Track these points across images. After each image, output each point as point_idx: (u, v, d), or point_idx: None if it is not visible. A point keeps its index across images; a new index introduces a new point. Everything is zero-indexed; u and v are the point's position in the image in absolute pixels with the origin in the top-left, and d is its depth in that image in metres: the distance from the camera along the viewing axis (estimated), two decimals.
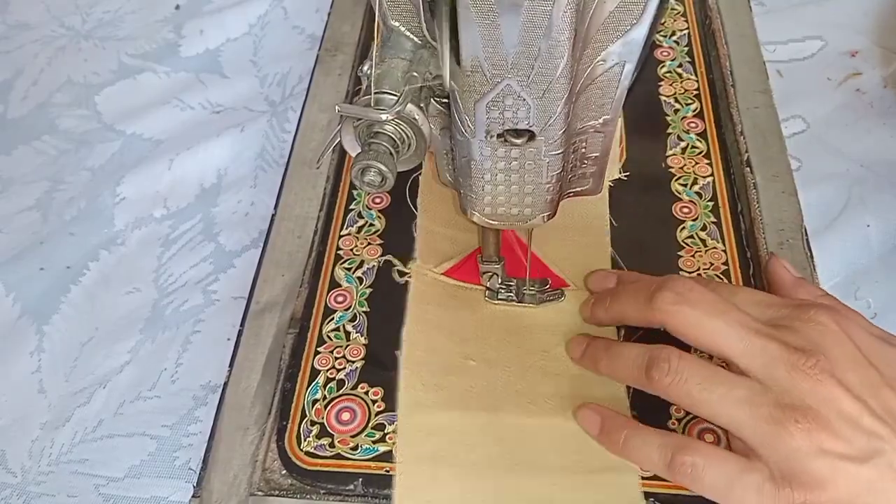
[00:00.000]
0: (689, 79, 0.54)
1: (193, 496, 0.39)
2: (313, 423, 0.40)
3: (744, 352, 0.33)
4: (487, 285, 0.44)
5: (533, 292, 0.44)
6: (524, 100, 0.31)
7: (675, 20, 0.58)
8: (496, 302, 0.44)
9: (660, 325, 0.37)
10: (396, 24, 0.32)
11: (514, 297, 0.44)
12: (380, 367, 0.42)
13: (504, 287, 0.44)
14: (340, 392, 0.41)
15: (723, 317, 0.34)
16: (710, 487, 0.33)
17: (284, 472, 0.39)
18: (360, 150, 0.32)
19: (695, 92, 0.53)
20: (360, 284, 0.45)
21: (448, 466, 0.38)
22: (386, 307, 0.44)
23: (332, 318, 0.44)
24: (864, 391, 0.32)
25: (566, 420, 0.39)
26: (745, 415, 0.32)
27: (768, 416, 0.32)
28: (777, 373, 0.32)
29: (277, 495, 0.38)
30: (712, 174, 0.49)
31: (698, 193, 0.48)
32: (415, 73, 0.32)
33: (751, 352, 0.33)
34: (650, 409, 0.39)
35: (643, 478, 0.38)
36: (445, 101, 0.34)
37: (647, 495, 0.37)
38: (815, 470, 0.31)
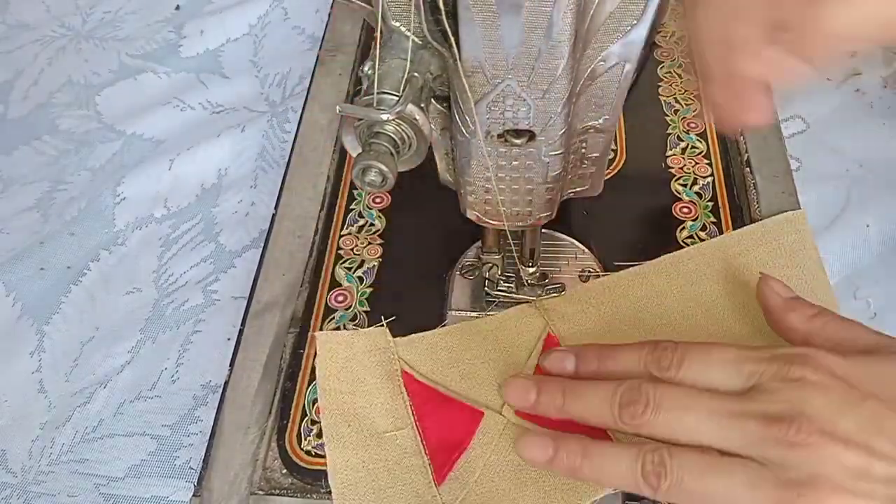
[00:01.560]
0: (689, 79, 0.54)
1: (194, 495, 0.39)
2: (314, 423, 0.40)
3: (723, 441, 0.31)
4: (487, 276, 0.44)
5: (533, 284, 0.44)
6: (524, 100, 0.31)
7: (675, 20, 0.58)
8: (496, 292, 0.44)
9: (636, 435, 0.34)
10: (396, 23, 0.32)
11: (514, 289, 0.44)
12: None
13: (504, 278, 0.44)
14: None
15: (693, 412, 0.32)
16: None
17: (285, 471, 0.39)
18: (360, 150, 0.32)
19: (695, 92, 0.53)
20: (361, 284, 0.45)
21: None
22: (386, 307, 0.44)
23: (333, 318, 0.44)
24: (863, 433, 0.30)
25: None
26: (749, 500, 0.30)
27: (773, 498, 0.30)
28: (766, 451, 0.30)
29: (278, 494, 0.38)
30: (712, 174, 0.49)
31: (698, 193, 0.48)
32: (415, 73, 0.32)
33: (731, 437, 0.31)
34: None
35: None
36: (446, 101, 0.34)
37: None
38: None
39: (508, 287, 0.44)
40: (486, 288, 0.44)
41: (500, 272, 0.43)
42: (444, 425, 0.39)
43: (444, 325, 0.43)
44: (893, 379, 0.31)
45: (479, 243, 0.45)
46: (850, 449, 0.29)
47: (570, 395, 0.35)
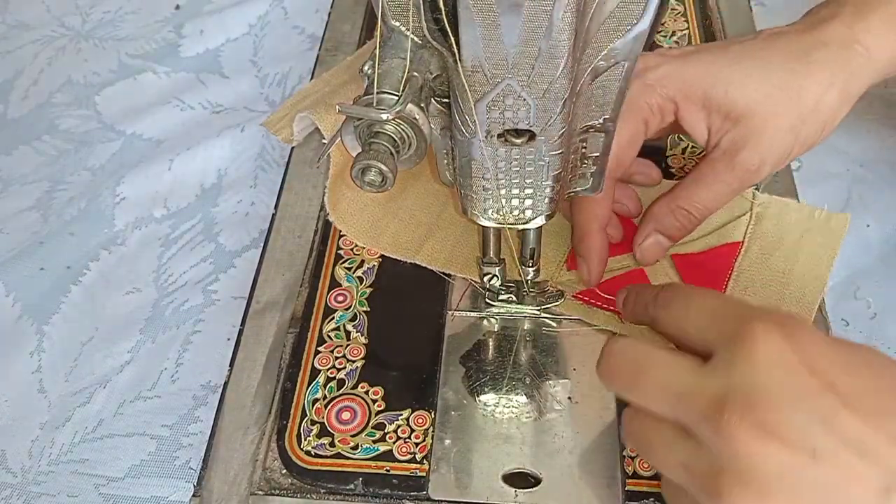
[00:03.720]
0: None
1: (194, 496, 0.39)
2: (313, 423, 0.40)
3: (673, 415, 0.29)
4: (488, 286, 0.44)
5: (533, 294, 0.44)
6: (524, 100, 0.31)
7: (675, 20, 0.58)
8: (496, 303, 0.44)
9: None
10: (396, 23, 0.32)
11: (515, 299, 0.44)
12: (380, 366, 0.42)
13: (504, 288, 0.44)
14: (341, 391, 0.41)
15: (640, 385, 0.30)
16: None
17: (285, 471, 0.39)
18: (360, 150, 0.32)
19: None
20: (361, 284, 0.45)
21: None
22: (386, 307, 0.45)
23: (333, 318, 0.44)
24: (811, 429, 0.26)
25: None
26: (685, 481, 0.29)
27: (708, 487, 0.28)
28: (704, 434, 0.28)
29: (278, 495, 0.38)
30: None
31: None
32: (415, 73, 0.32)
33: (675, 415, 0.29)
34: None
35: (645, 478, 0.38)
36: (445, 101, 0.34)
37: (645, 495, 0.37)
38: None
39: (508, 297, 0.44)
40: (486, 299, 0.44)
41: (500, 283, 0.43)
42: None
43: (443, 326, 0.44)
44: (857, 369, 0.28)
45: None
46: (787, 448, 0.26)
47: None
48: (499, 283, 0.43)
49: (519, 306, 0.44)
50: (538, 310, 0.44)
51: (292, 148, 0.52)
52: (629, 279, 0.44)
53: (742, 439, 0.27)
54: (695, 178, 0.42)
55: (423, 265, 0.46)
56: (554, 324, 0.44)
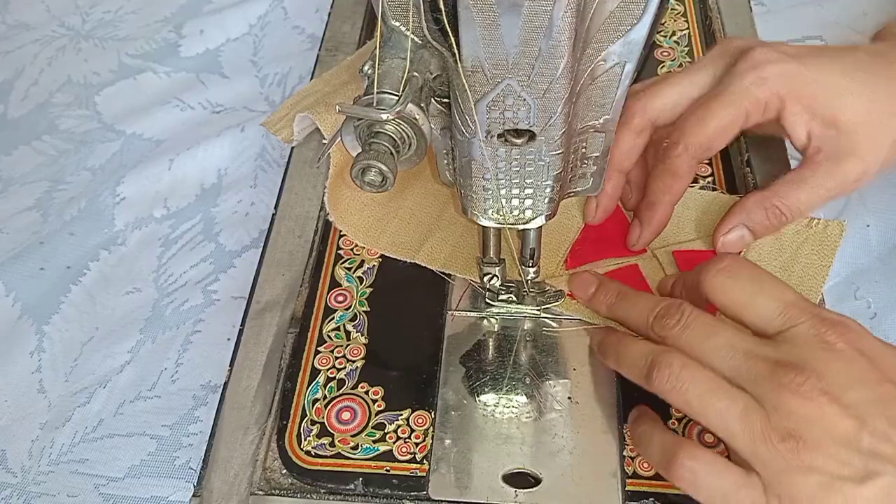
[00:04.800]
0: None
1: (194, 496, 0.39)
2: (313, 423, 0.40)
3: (732, 371, 0.33)
4: (488, 286, 0.44)
5: (533, 294, 0.44)
6: (524, 100, 0.31)
7: (675, 20, 0.58)
8: (496, 303, 0.44)
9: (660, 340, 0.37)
10: (396, 24, 0.32)
11: (515, 299, 0.44)
12: (380, 366, 0.42)
13: (504, 288, 0.44)
14: (341, 391, 0.41)
15: (711, 339, 0.34)
16: (706, 496, 0.33)
17: (285, 471, 0.39)
18: (360, 150, 0.32)
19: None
20: (361, 284, 0.45)
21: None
22: (386, 307, 0.44)
23: (333, 318, 0.44)
24: (870, 410, 0.31)
25: None
26: (739, 430, 0.32)
27: (759, 433, 0.31)
28: (764, 390, 0.32)
29: (278, 495, 0.38)
30: (712, 174, 0.49)
31: None
32: (415, 73, 0.32)
33: (738, 371, 0.33)
34: (653, 407, 0.39)
35: (645, 478, 0.38)
36: (446, 101, 0.34)
37: (645, 495, 0.37)
38: (807, 488, 0.31)
39: (508, 297, 0.44)
40: (486, 299, 0.44)
41: (500, 283, 0.43)
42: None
43: (443, 326, 0.44)
44: None
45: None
46: (846, 417, 0.31)
47: (621, 297, 0.40)
48: (499, 283, 0.43)
49: (519, 306, 0.44)
50: (538, 310, 0.44)
51: (292, 148, 0.52)
52: (623, 275, 0.44)
53: (808, 399, 0.31)
54: (795, 179, 0.42)
55: (423, 265, 0.46)
56: (554, 324, 0.44)
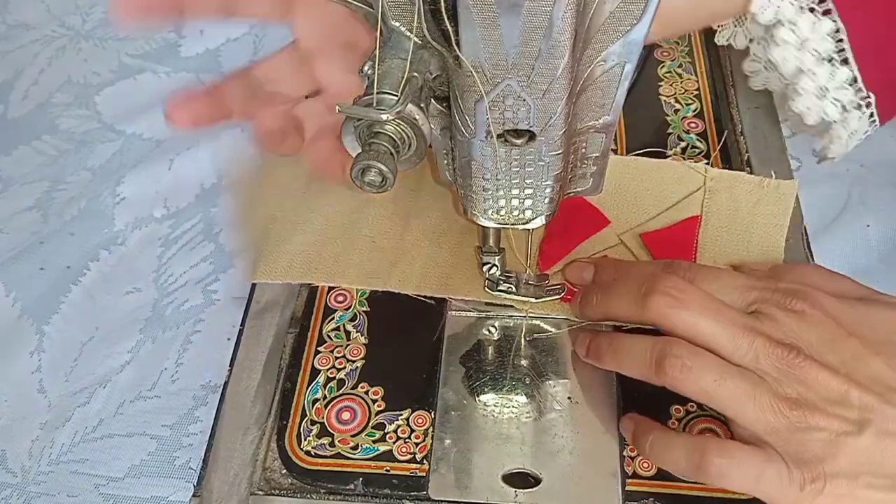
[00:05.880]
0: (689, 79, 0.54)
1: (193, 496, 0.39)
2: (313, 423, 0.40)
3: (735, 350, 0.35)
4: (487, 276, 0.44)
5: (532, 284, 0.44)
6: (524, 100, 0.31)
7: None
8: (495, 293, 0.44)
9: (653, 325, 0.37)
10: (396, 24, 0.32)
11: (514, 289, 0.44)
12: (380, 366, 0.42)
13: (504, 278, 0.44)
14: (340, 391, 0.41)
15: (715, 316, 0.36)
16: (741, 483, 0.34)
17: (284, 471, 0.39)
18: (360, 150, 0.32)
19: (695, 92, 0.53)
20: None
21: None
22: (386, 307, 0.44)
23: (333, 318, 0.44)
24: (847, 366, 0.34)
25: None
26: (750, 407, 0.34)
27: (768, 406, 0.34)
28: (767, 367, 0.35)
29: (278, 495, 0.38)
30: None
31: None
32: (415, 74, 0.32)
33: (742, 350, 0.35)
34: (649, 411, 0.39)
35: (645, 478, 0.38)
36: (445, 101, 0.34)
37: (645, 495, 0.37)
38: (817, 449, 0.33)
39: (508, 287, 0.44)
40: (485, 288, 0.44)
41: (499, 272, 0.43)
42: None
43: (443, 326, 0.44)
44: (876, 324, 0.36)
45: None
46: (833, 377, 0.34)
47: (604, 295, 0.40)
48: (498, 272, 0.43)
49: (519, 298, 0.44)
50: (536, 301, 0.44)
51: None
52: None
53: (800, 366, 0.34)
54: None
55: (397, 291, 0.45)
56: (553, 328, 0.44)
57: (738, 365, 0.35)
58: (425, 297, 0.45)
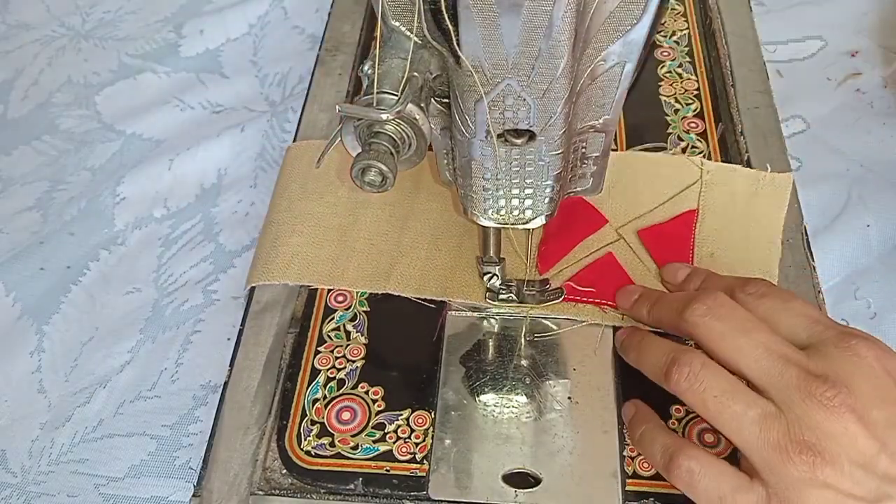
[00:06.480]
0: (689, 79, 0.54)
1: (193, 496, 0.39)
2: (313, 423, 0.40)
3: (761, 373, 0.33)
4: (487, 286, 0.44)
5: (533, 293, 0.44)
6: (524, 100, 0.31)
7: (675, 20, 0.58)
8: (496, 303, 0.44)
9: (688, 336, 0.37)
10: (396, 24, 0.32)
11: (515, 298, 0.44)
12: (380, 366, 0.42)
13: (504, 287, 0.44)
14: (341, 391, 0.41)
15: (747, 335, 0.34)
16: (703, 496, 0.33)
17: (285, 471, 0.39)
18: (360, 150, 0.32)
19: (695, 92, 0.53)
20: None
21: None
22: (386, 307, 0.44)
23: (333, 318, 0.44)
24: (887, 431, 0.31)
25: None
26: (753, 436, 0.32)
27: (775, 442, 0.31)
28: (791, 399, 0.32)
29: (278, 495, 0.38)
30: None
31: None
32: (415, 73, 0.32)
33: (768, 374, 0.33)
34: (652, 408, 0.39)
35: (645, 478, 0.38)
36: (445, 101, 0.34)
37: (645, 495, 0.37)
38: (814, 502, 0.31)
39: (509, 297, 0.44)
40: (486, 298, 0.44)
41: (500, 282, 0.43)
42: None
43: (443, 326, 0.44)
44: None
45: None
46: (865, 436, 0.30)
47: (657, 302, 0.40)
48: (498, 282, 0.43)
49: (520, 306, 0.44)
50: (539, 307, 0.44)
51: (289, 148, 0.52)
52: (601, 266, 0.45)
53: (838, 413, 0.31)
54: None
55: (397, 294, 0.45)
56: (554, 326, 0.44)
57: (762, 391, 0.33)
58: (424, 300, 0.44)
